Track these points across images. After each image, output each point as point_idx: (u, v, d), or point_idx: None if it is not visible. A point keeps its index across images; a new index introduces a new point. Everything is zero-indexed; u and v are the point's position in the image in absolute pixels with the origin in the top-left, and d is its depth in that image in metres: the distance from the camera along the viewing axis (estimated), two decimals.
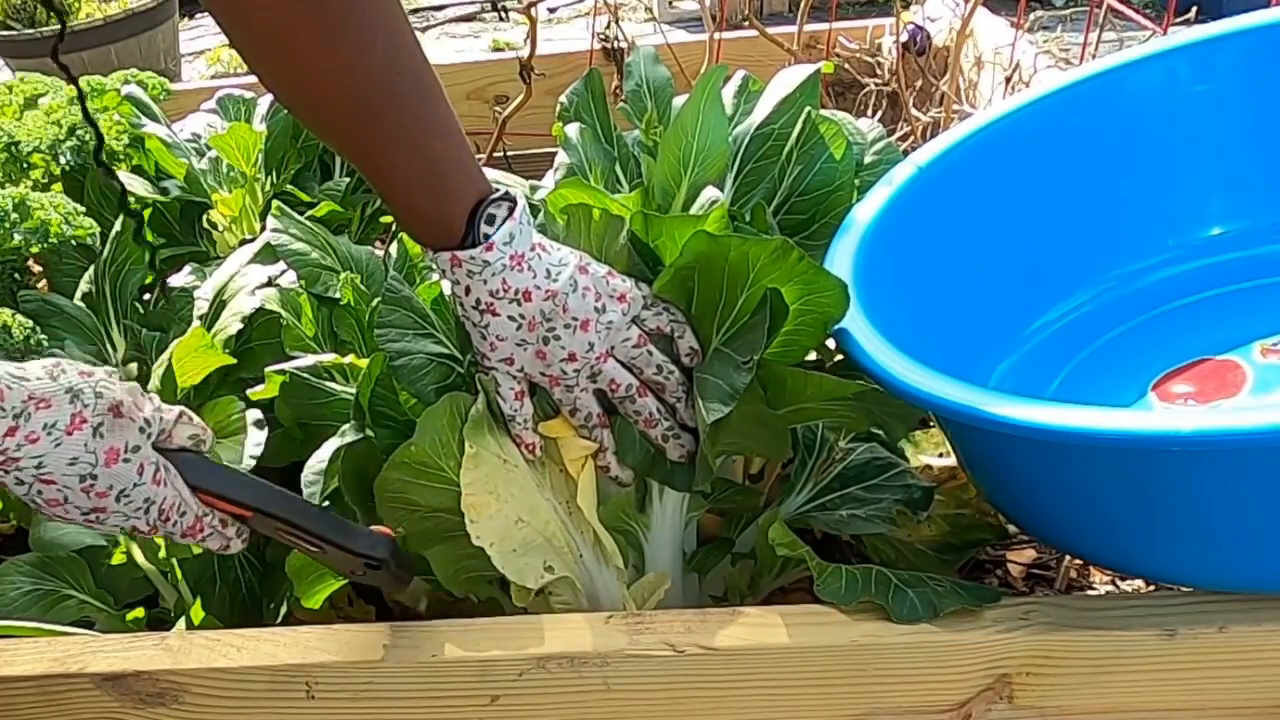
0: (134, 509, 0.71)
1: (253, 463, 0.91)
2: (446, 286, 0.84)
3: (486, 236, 0.76)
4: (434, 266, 0.79)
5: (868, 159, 1.03)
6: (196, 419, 0.76)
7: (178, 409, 0.75)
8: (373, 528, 0.79)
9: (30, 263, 1.31)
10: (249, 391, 0.98)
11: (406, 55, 0.73)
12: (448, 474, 0.79)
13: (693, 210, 0.88)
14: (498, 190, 0.78)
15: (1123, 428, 0.63)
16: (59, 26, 1.29)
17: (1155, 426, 0.63)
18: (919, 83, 1.70)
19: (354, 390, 0.92)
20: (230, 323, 1.05)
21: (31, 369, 0.68)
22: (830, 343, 0.92)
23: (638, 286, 0.83)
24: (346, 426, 0.86)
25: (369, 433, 0.84)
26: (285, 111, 1.42)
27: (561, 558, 0.83)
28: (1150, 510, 0.70)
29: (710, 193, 0.85)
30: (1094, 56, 1.39)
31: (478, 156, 1.59)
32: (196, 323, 1.08)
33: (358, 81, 0.70)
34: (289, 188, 1.44)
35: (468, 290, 0.78)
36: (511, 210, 0.77)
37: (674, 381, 0.85)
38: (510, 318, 0.78)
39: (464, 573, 0.82)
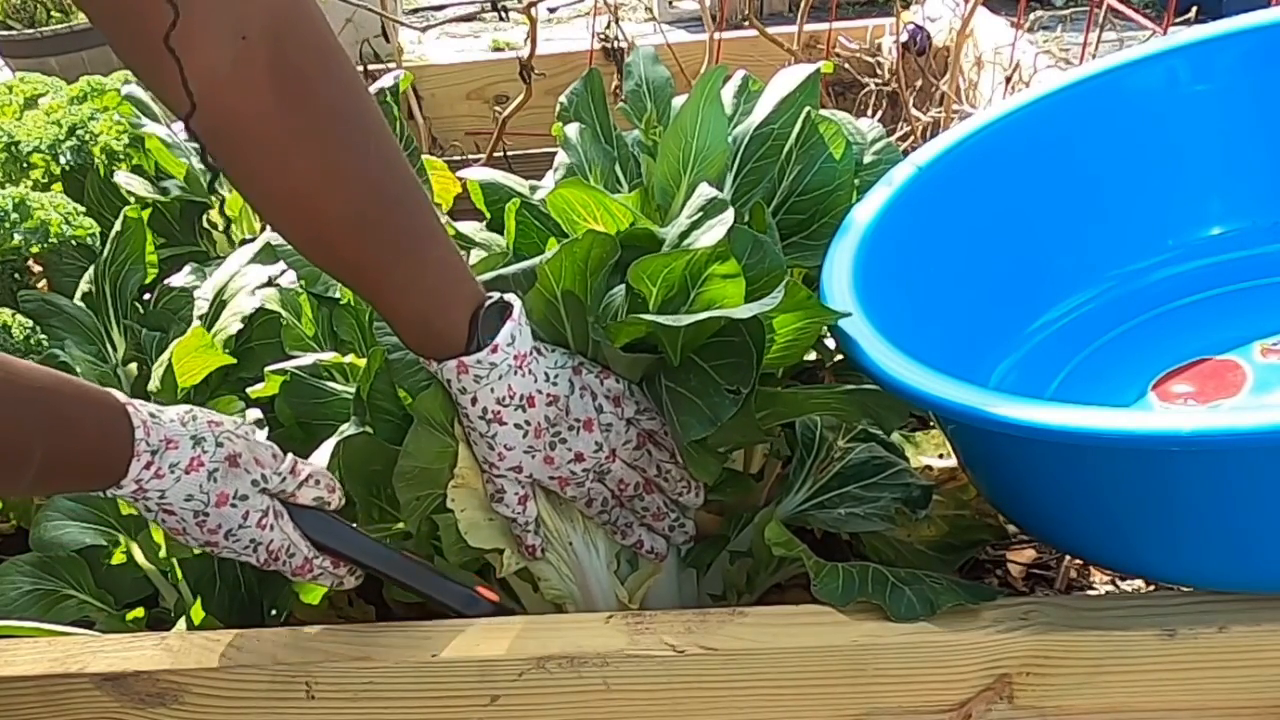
0: (241, 547, 0.76)
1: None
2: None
3: (489, 338, 0.76)
4: (438, 378, 0.79)
5: (867, 159, 1.03)
6: (325, 481, 0.80)
7: (308, 470, 0.79)
8: (476, 588, 0.84)
9: (30, 263, 1.31)
10: (249, 390, 0.98)
11: (398, 160, 0.74)
12: (445, 438, 0.82)
13: (687, 212, 0.87)
14: (493, 296, 0.79)
15: (1123, 428, 0.63)
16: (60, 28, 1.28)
17: (1155, 426, 0.63)
18: (919, 83, 1.70)
19: (354, 388, 0.93)
20: (230, 323, 1.05)
21: (168, 413, 0.74)
22: (830, 343, 0.92)
23: (629, 389, 0.84)
24: (346, 423, 0.86)
25: (368, 428, 0.85)
26: None
27: (551, 545, 0.85)
28: (1150, 510, 0.70)
29: (705, 190, 0.84)
30: (1094, 56, 1.39)
31: (477, 156, 1.58)
32: (196, 323, 1.08)
33: (355, 185, 0.72)
34: None
35: (474, 400, 0.78)
36: (507, 313, 0.78)
37: (674, 479, 0.86)
38: (517, 425, 0.79)
39: (459, 543, 0.84)
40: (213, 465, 0.73)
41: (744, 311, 0.75)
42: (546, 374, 0.80)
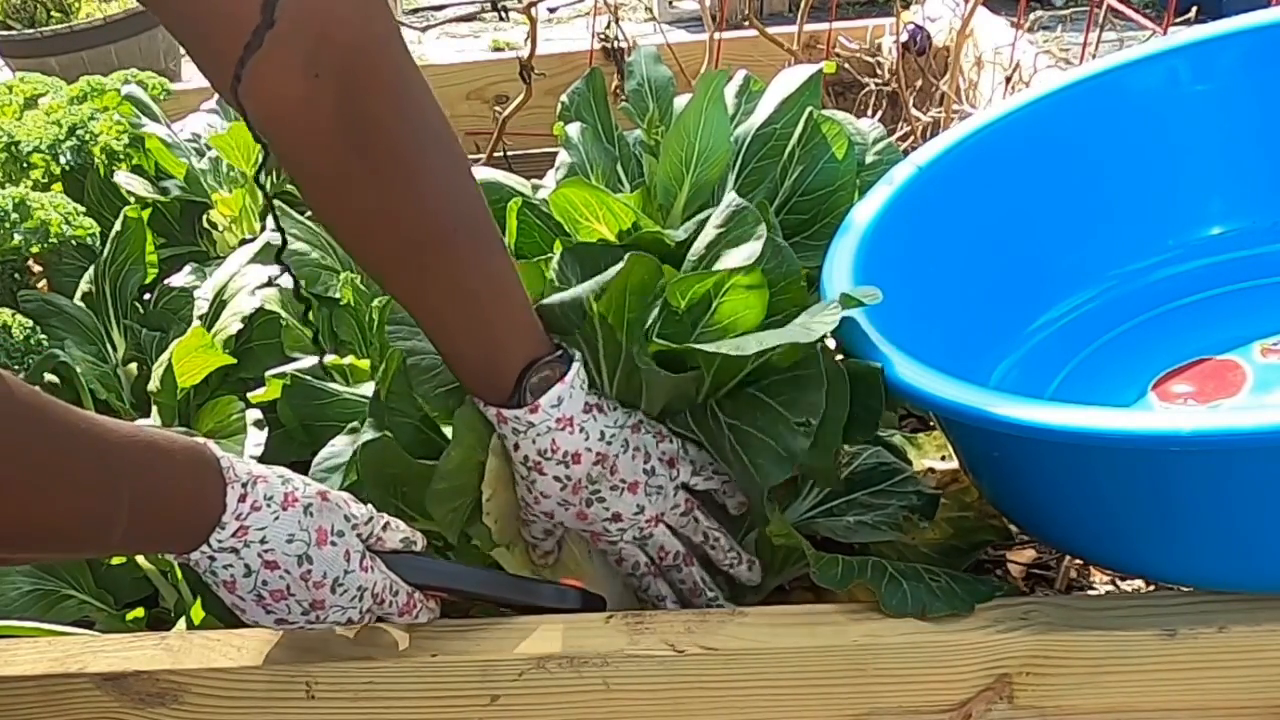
0: (349, 599, 0.73)
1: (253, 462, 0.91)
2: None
3: (533, 398, 0.75)
4: (484, 416, 0.78)
5: (869, 159, 1.03)
6: (404, 525, 0.79)
7: (385, 516, 0.78)
8: (561, 580, 0.83)
9: (30, 263, 1.31)
10: (249, 396, 0.98)
11: (463, 204, 0.73)
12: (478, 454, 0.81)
13: (714, 221, 0.84)
14: (554, 353, 0.77)
15: (1123, 428, 0.63)
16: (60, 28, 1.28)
17: (1155, 426, 0.63)
18: (919, 83, 1.70)
19: (356, 390, 0.92)
20: (230, 323, 1.05)
21: (246, 461, 0.72)
22: (832, 343, 0.92)
23: (685, 450, 0.83)
24: (365, 424, 0.85)
25: (386, 432, 0.84)
26: None
27: (568, 547, 0.85)
28: (1150, 510, 0.70)
29: (733, 200, 0.82)
30: (1094, 56, 1.39)
31: (477, 156, 1.56)
32: (196, 323, 1.08)
33: (405, 226, 0.72)
34: (289, 188, 1.44)
35: (516, 446, 0.77)
36: (564, 374, 0.76)
37: (721, 549, 0.84)
38: (556, 478, 0.78)
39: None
40: (306, 500, 0.71)
41: (808, 335, 0.72)
42: (602, 433, 0.78)
